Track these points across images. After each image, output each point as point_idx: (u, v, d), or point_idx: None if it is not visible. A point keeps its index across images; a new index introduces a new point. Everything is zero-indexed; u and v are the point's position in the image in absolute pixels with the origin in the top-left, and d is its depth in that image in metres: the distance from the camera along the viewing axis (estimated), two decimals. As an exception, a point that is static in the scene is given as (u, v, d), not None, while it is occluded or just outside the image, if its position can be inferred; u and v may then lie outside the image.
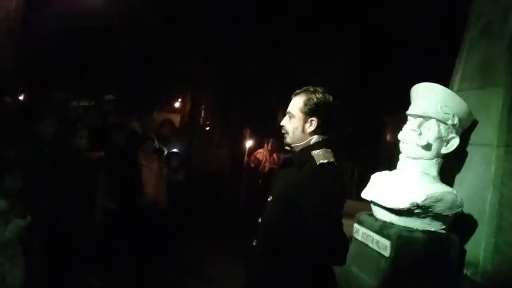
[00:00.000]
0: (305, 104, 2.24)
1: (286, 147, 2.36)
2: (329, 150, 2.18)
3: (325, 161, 2.11)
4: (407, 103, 3.46)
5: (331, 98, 2.29)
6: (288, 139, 2.29)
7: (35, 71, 8.05)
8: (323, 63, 8.44)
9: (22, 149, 4.07)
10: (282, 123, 2.32)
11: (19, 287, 3.34)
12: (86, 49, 9.15)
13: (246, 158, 8.33)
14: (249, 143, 8.51)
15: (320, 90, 2.28)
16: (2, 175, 3.37)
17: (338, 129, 2.44)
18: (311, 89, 2.28)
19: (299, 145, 2.27)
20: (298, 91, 2.32)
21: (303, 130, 2.25)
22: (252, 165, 8.00)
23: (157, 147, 5.70)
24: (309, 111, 2.24)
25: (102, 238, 4.52)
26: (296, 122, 2.26)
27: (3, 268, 3.26)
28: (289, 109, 2.30)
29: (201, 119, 13.60)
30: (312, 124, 2.24)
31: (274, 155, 7.59)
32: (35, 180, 3.84)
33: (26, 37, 7.13)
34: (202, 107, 14.15)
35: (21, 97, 6.84)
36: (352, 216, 3.65)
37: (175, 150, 6.34)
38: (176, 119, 11.46)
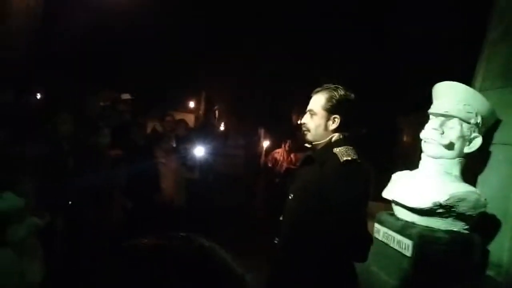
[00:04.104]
0: (328, 102, 2.23)
1: (306, 145, 2.35)
2: (351, 147, 2.17)
3: (349, 158, 2.10)
4: (422, 103, 3.43)
5: (352, 95, 2.28)
6: (309, 137, 2.28)
7: (53, 70, 8.11)
8: (335, 63, 8.39)
9: (41, 146, 4.09)
10: (303, 120, 2.31)
11: (39, 282, 3.35)
12: (103, 49, 9.24)
13: (263, 158, 8.33)
14: (266, 143, 8.51)
15: (341, 87, 2.27)
16: (18, 174, 3.34)
17: (356, 128, 2.43)
18: (333, 87, 2.27)
19: (320, 142, 2.26)
20: (319, 88, 2.31)
21: (326, 128, 2.24)
22: (270, 165, 8.01)
23: (174, 145, 5.74)
24: (332, 109, 2.23)
25: (120, 235, 4.55)
26: (318, 120, 2.25)
27: (21, 266, 3.24)
28: (310, 106, 2.29)
29: (215, 120, 13.62)
30: (334, 122, 2.23)
31: (292, 155, 7.58)
32: (54, 177, 3.87)
33: (44, 35, 7.19)
34: (216, 107, 14.17)
35: (38, 95, 6.90)
36: (370, 216, 3.61)
37: (191, 149, 6.39)
38: (191, 119, 11.47)
